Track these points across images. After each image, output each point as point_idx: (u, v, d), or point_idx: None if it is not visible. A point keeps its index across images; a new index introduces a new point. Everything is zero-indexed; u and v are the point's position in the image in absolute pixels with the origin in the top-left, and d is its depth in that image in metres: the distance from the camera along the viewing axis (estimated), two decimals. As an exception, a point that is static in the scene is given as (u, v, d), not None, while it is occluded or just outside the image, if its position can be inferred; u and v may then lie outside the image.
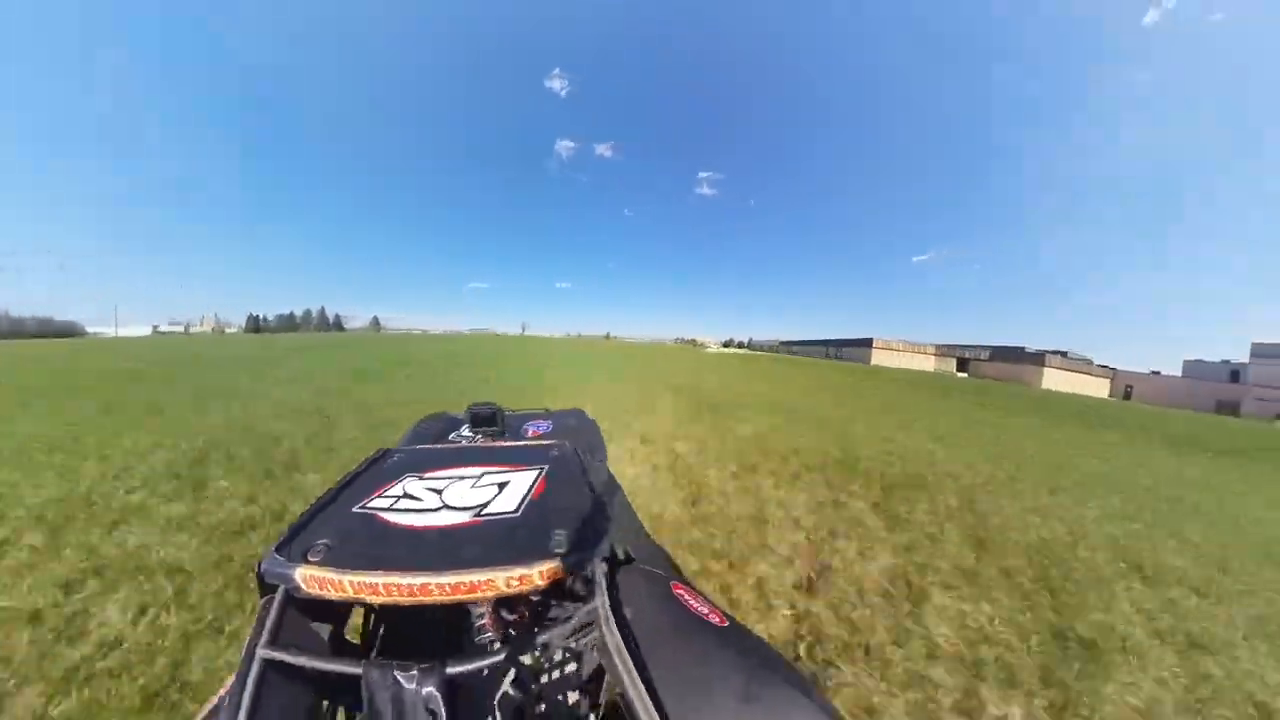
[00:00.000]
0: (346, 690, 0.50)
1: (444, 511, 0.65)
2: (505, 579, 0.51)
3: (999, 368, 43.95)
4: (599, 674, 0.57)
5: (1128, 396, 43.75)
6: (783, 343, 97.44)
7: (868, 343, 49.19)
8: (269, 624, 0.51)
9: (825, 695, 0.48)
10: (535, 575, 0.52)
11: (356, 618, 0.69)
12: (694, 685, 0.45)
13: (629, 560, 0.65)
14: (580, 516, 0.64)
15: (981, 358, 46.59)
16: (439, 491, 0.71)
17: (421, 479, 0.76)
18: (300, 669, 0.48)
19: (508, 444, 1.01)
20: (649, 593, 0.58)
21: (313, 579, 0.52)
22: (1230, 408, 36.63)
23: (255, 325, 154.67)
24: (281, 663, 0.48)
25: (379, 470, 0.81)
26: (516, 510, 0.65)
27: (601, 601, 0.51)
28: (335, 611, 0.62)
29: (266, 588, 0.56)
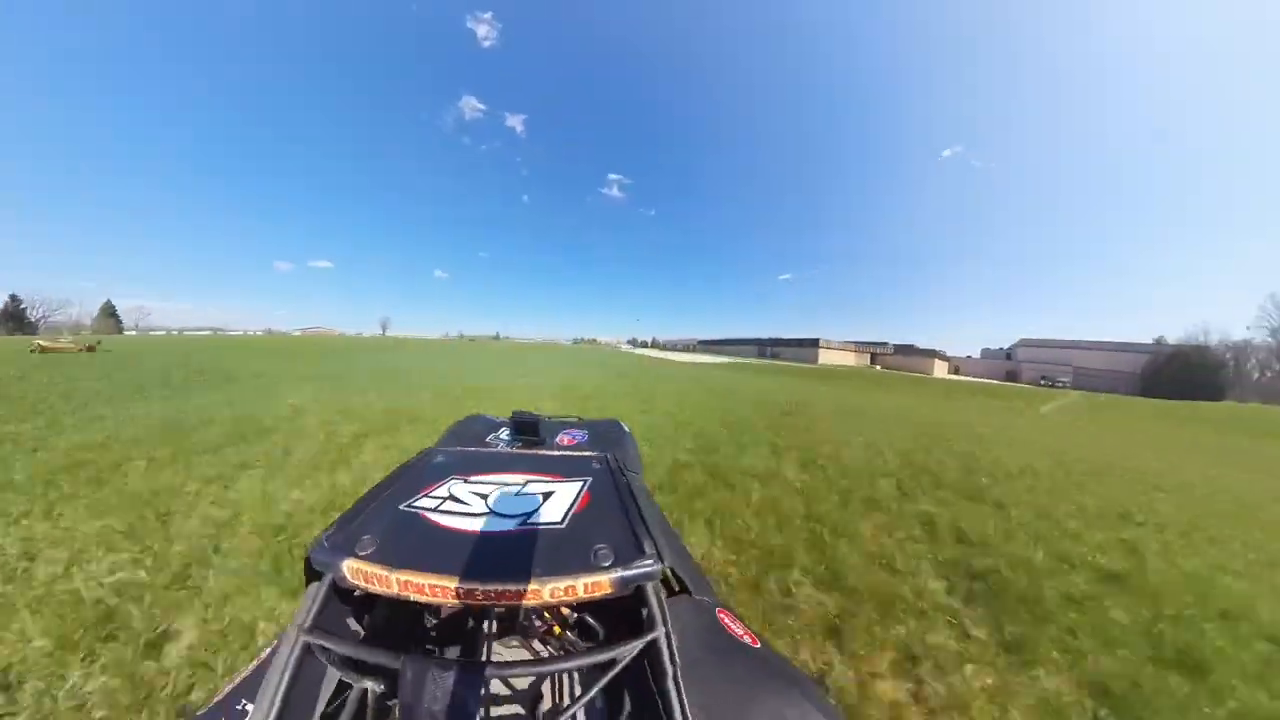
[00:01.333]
0: (384, 680, 0.50)
1: (491, 518, 0.65)
2: (550, 589, 0.52)
3: (900, 360, 58.83)
4: (639, 692, 0.54)
5: (956, 372, 64.09)
6: (701, 342, 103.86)
7: (814, 342, 58.43)
8: (313, 609, 0.53)
9: (843, 711, 0.35)
10: (580, 587, 0.53)
11: (398, 609, 0.69)
12: (731, 712, 0.48)
13: (684, 589, 0.69)
14: (624, 533, 0.64)
15: (888, 353, 61.38)
16: (485, 497, 0.72)
17: (467, 482, 0.77)
18: (340, 656, 0.50)
19: (550, 453, 1.03)
20: (697, 623, 0.61)
21: (359, 572, 0.53)
22: (1013, 376, 57.54)
23: None
24: (321, 648, 0.49)
25: (425, 469, 0.82)
26: (562, 522, 0.65)
27: (663, 632, 0.52)
28: (378, 603, 0.64)
29: (313, 574, 0.57)
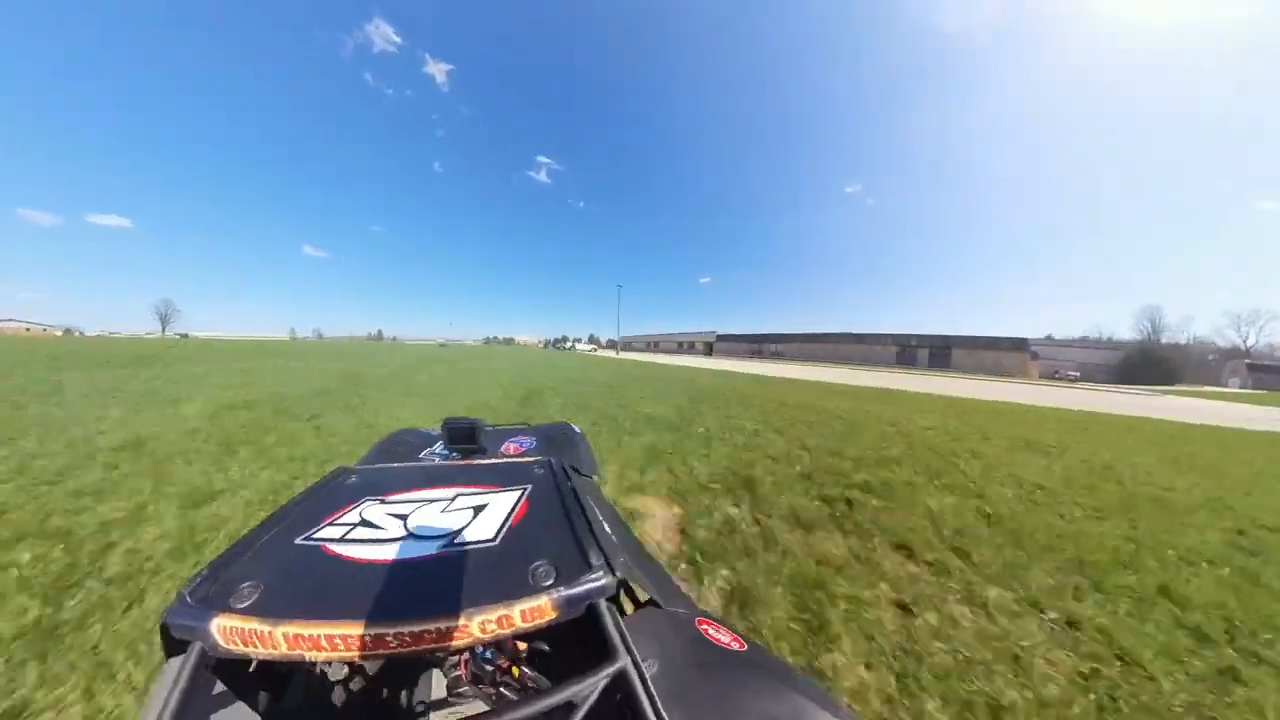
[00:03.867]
0: None
1: (408, 541, 0.55)
2: (480, 622, 0.43)
3: (979, 356, 63.26)
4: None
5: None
6: (722, 337, 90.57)
7: (1021, 344, 55.26)
8: (174, 697, 0.37)
9: (844, 704, 0.48)
10: (516, 616, 0.44)
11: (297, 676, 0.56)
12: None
13: (652, 601, 0.58)
14: (568, 544, 0.55)
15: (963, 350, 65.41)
16: (403, 518, 0.60)
17: (384, 503, 0.65)
18: None
19: (484, 462, 0.91)
20: (676, 637, 0.53)
21: (233, 632, 0.41)
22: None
23: None
24: None
25: (332, 492, 0.69)
26: (494, 539, 0.56)
27: (628, 661, 0.42)
28: (271, 673, 0.52)
29: (175, 645, 0.42)
